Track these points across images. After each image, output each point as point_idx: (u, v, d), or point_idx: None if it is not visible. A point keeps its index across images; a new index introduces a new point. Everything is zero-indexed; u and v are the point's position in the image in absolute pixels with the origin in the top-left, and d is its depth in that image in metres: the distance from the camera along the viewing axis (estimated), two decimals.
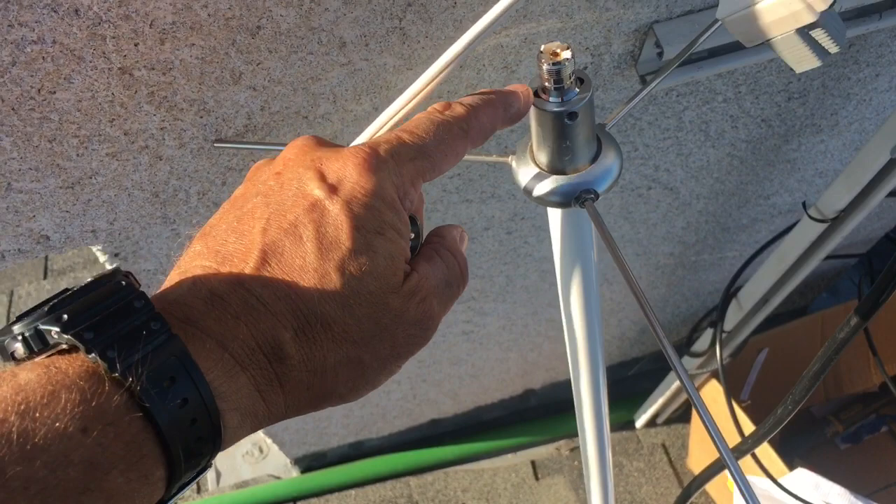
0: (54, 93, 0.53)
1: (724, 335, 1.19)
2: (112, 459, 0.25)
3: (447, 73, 0.41)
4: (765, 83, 0.87)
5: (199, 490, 1.64)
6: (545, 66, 0.41)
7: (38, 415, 0.24)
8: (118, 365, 0.27)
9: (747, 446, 0.75)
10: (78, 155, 0.58)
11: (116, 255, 0.78)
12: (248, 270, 0.31)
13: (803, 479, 1.17)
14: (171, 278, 0.33)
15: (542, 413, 1.70)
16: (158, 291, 0.32)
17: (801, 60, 0.51)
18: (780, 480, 1.14)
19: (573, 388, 0.71)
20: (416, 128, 0.36)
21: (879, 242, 1.45)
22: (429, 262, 0.37)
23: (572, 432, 1.67)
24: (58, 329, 0.27)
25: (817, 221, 0.94)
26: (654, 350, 1.64)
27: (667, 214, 1.10)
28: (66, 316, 0.28)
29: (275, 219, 0.33)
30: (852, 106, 0.98)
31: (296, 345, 0.31)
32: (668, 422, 1.64)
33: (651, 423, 1.64)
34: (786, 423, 0.72)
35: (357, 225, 0.32)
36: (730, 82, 0.85)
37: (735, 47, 0.70)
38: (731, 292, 1.19)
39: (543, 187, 0.49)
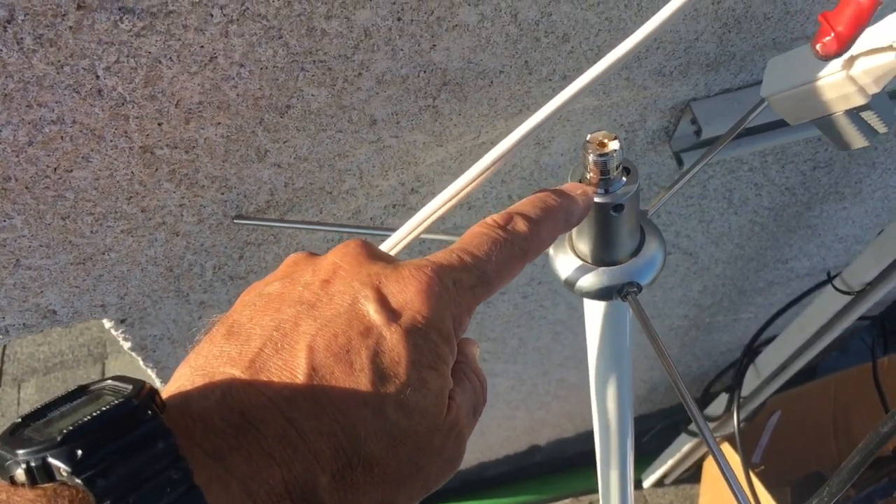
0: (71, 171, 0.50)
1: (741, 400, 1.16)
2: None
3: (490, 174, 0.39)
4: (792, 153, 0.85)
5: None
6: (591, 157, 0.40)
7: None
8: None
9: None
10: (92, 232, 0.56)
11: (123, 321, 0.75)
12: (287, 394, 0.27)
13: None
14: (192, 377, 0.29)
15: (547, 469, 1.66)
16: (177, 391, 0.28)
17: (848, 141, 0.49)
18: None
19: (600, 477, 0.68)
20: (476, 248, 0.33)
21: (893, 304, 1.43)
22: (460, 387, 0.33)
23: (578, 489, 1.63)
24: (69, 469, 0.23)
25: (843, 293, 0.92)
26: (661, 408, 1.61)
27: (685, 278, 1.08)
28: (80, 453, 0.24)
29: (322, 338, 0.29)
30: (877, 174, 0.96)
31: (331, 491, 0.27)
32: (676, 482, 1.61)
33: (659, 483, 1.60)
34: None
35: (414, 359, 0.29)
36: (757, 152, 0.83)
37: (772, 126, 0.68)
38: (747, 358, 1.16)
39: (586, 280, 0.46)
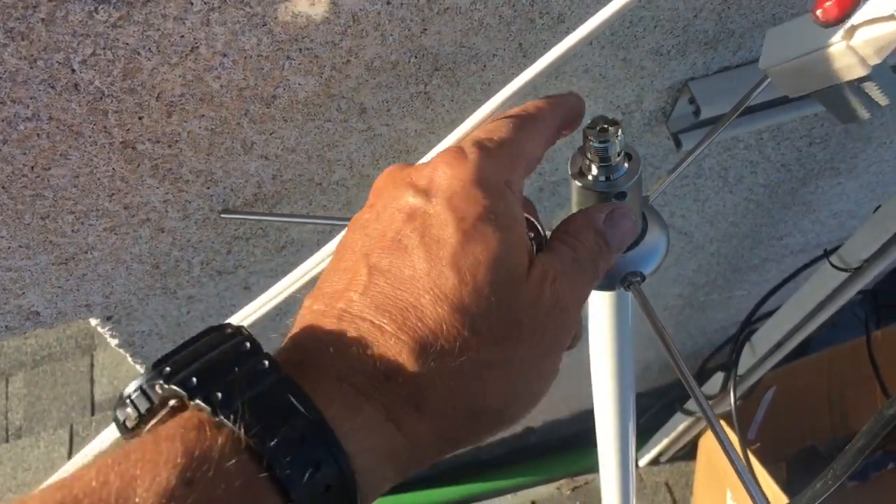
0: (49, 169, 0.48)
1: (737, 378, 1.16)
2: None
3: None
4: (788, 129, 0.84)
5: None
6: (592, 144, 0.37)
7: (138, 472, 0.22)
8: (219, 409, 0.24)
9: None
10: (73, 231, 0.53)
11: (109, 318, 0.73)
12: (356, 298, 0.29)
13: None
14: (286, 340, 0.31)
15: (542, 451, 1.66)
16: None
17: (849, 114, 0.48)
18: None
19: (601, 465, 0.67)
20: (488, 128, 0.34)
21: (886, 277, 1.42)
22: (550, 250, 0.33)
23: (573, 471, 1.63)
24: (161, 381, 0.25)
25: (840, 270, 0.91)
26: (654, 387, 1.61)
27: (679, 258, 1.07)
28: (168, 369, 0.26)
29: (377, 243, 0.30)
30: (872, 149, 0.95)
31: (421, 360, 0.27)
32: (671, 460, 1.61)
33: (655, 461, 1.60)
34: (822, 498, 0.68)
35: (463, 216, 0.29)
36: (753, 129, 0.82)
37: (771, 104, 0.67)
38: (743, 336, 1.16)
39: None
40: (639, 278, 0.45)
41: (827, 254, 0.94)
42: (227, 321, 0.31)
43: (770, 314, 1.19)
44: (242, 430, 0.23)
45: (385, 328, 0.28)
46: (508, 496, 1.61)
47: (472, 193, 0.30)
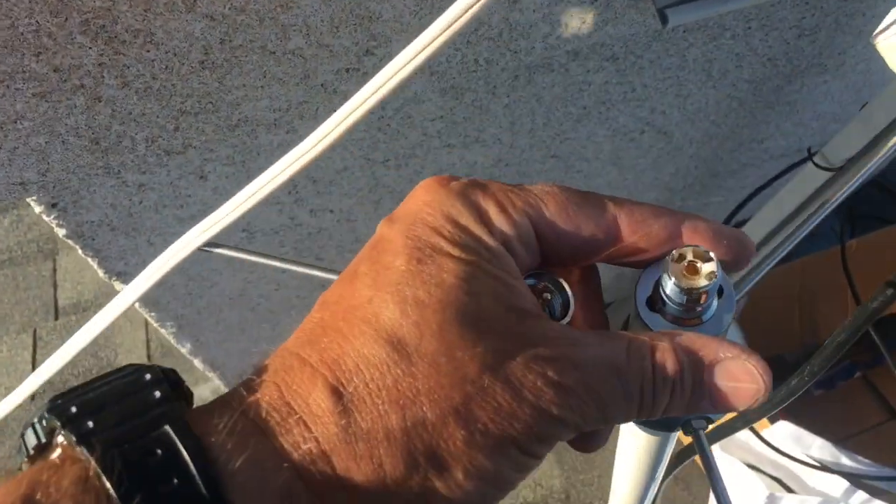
0: None
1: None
2: None
3: (454, 33, 0.32)
4: (777, 18, 0.80)
5: None
6: (676, 289, 0.27)
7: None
8: (81, 441, 0.22)
9: (754, 416, 0.70)
10: None
11: (54, 205, 0.68)
12: (297, 333, 0.26)
13: (785, 432, 1.15)
14: None
15: None
16: None
17: None
18: (762, 433, 1.11)
19: None
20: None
21: (863, 187, 1.40)
22: (600, 335, 0.26)
23: None
24: (46, 413, 0.23)
25: (822, 169, 0.88)
26: (626, 296, 1.60)
27: (657, 160, 1.03)
28: (59, 401, 0.23)
29: (340, 277, 0.27)
30: (862, 44, 0.91)
31: (334, 398, 0.23)
32: None
33: None
34: (799, 394, 0.67)
35: (419, 245, 0.25)
36: (740, 17, 0.77)
37: None
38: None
39: None
40: (704, 422, 0.32)
41: (810, 152, 0.91)
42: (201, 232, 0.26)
43: (745, 222, 1.17)
44: (93, 463, 0.21)
45: (308, 360, 0.24)
46: None
47: (437, 222, 0.26)
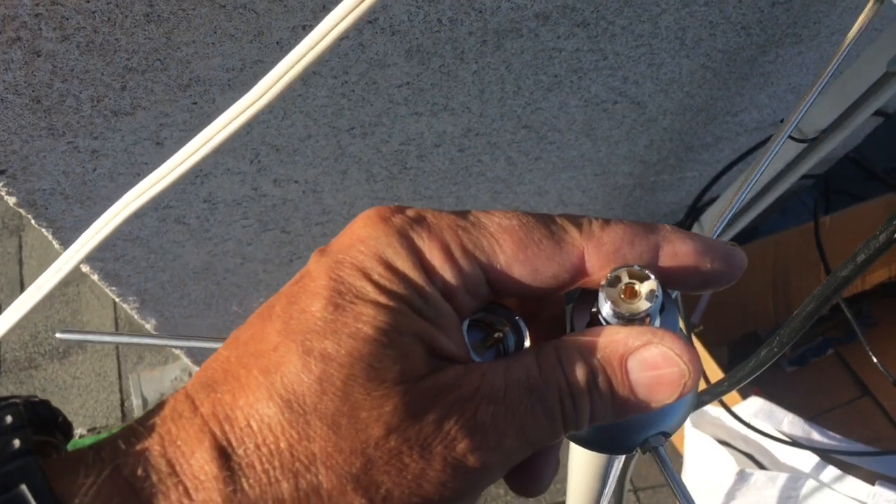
0: None
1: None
2: None
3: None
4: None
5: None
6: (611, 308, 0.25)
7: None
8: None
9: (723, 388, 0.69)
10: None
11: (2, 171, 0.65)
12: (199, 371, 0.24)
13: (756, 407, 1.14)
14: None
15: None
16: None
17: None
18: (733, 409, 1.11)
19: None
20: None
21: (838, 163, 1.40)
22: (511, 358, 0.24)
23: None
24: None
25: (797, 141, 0.87)
26: None
27: (631, 131, 1.02)
28: None
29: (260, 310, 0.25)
30: (837, 14, 0.89)
31: (221, 460, 0.21)
32: None
33: None
34: (769, 364, 0.66)
35: (340, 289, 0.23)
36: None
37: None
38: (692, 215, 1.13)
39: (594, 430, 0.30)
40: (662, 438, 0.30)
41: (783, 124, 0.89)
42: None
43: (718, 198, 1.16)
44: None
45: (199, 409, 0.22)
46: None
47: (366, 263, 0.23)
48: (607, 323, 0.25)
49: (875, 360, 1.03)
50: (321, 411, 0.21)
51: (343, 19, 0.33)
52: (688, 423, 1.15)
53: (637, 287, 0.25)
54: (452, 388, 0.22)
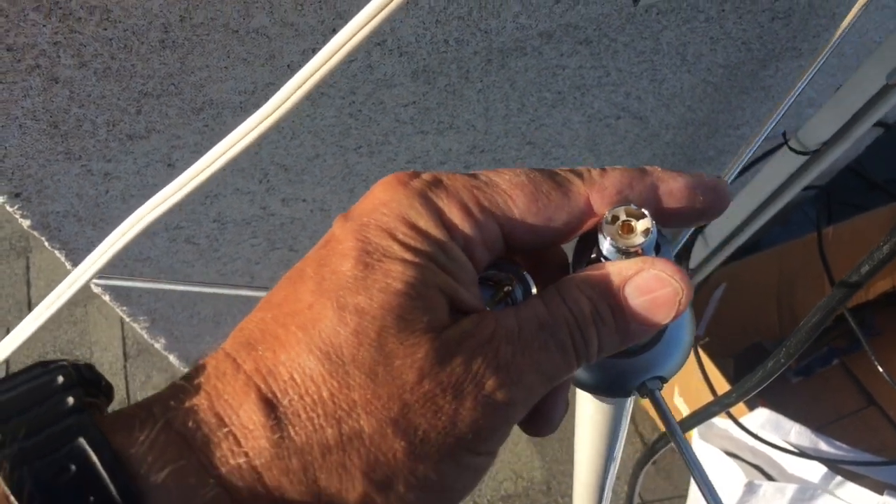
0: None
1: (688, 273, 1.14)
2: None
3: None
4: (750, 0, 0.79)
5: None
6: (610, 244, 0.27)
7: None
8: None
9: (731, 399, 0.70)
10: None
11: (17, 194, 0.67)
12: (234, 333, 0.25)
13: (763, 418, 1.15)
14: None
15: None
16: None
17: None
18: (740, 420, 1.11)
19: None
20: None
21: (839, 174, 1.41)
22: (512, 307, 0.26)
23: None
24: None
25: (798, 154, 0.88)
26: None
27: (634, 146, 1.03)
28: None
29: (287, 275, 0.26)
30: (835, 28, 0.90)
31: (266, 410, 0.22)
32: None
33: None
34: (776, 375, 0.67)
35: (368, 249, 0.24)
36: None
37: None
38: (696, 228, 1.13)
39: (597, 375, 0.33)
40: (658, 383, 0.33)
41: (785, 137, 0.90)
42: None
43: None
44: (1, 483, 0.19)
45: (242, 366, 0.23)
46: None
47: (391, 224, 0.25)
48: (606, 260, 0.27)
49: (881, 369, 1.03)
50: (359, 361, 0.22)
51: (347, 42, 0.34)
52: (695, 436, 1.15)
53: (633, 224, 0.27)
54: (473, 333, 0.24)
